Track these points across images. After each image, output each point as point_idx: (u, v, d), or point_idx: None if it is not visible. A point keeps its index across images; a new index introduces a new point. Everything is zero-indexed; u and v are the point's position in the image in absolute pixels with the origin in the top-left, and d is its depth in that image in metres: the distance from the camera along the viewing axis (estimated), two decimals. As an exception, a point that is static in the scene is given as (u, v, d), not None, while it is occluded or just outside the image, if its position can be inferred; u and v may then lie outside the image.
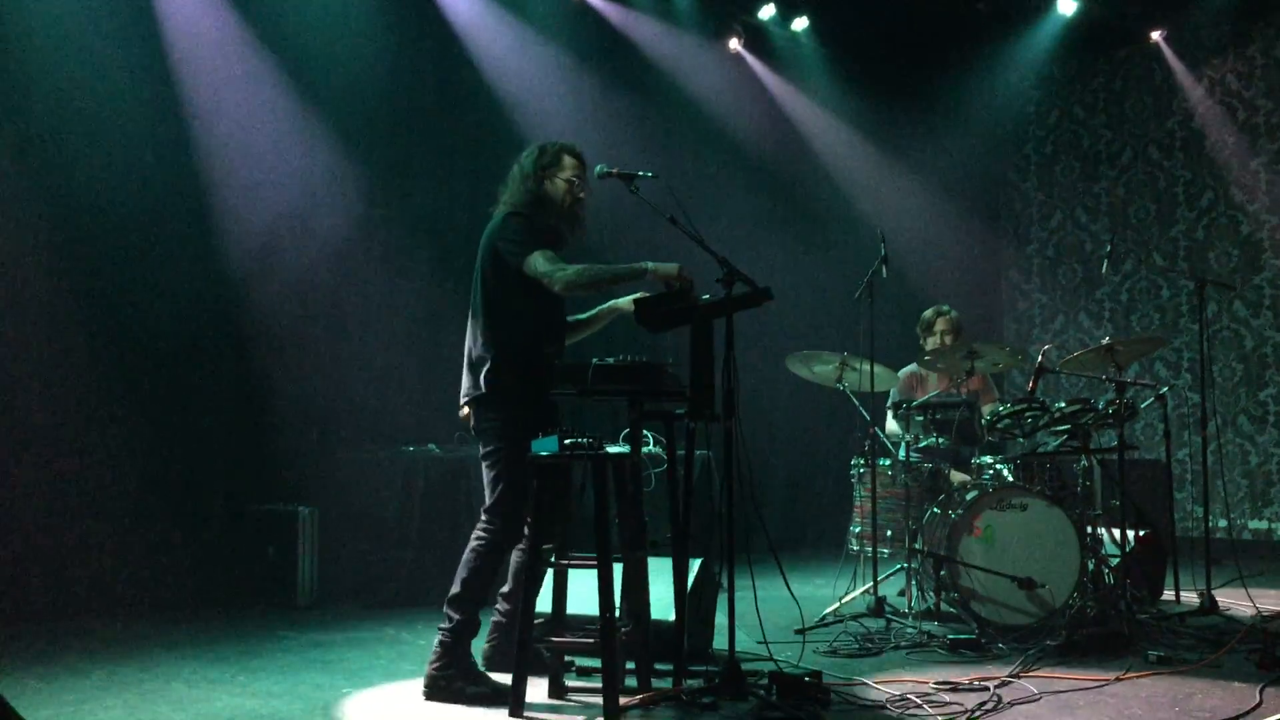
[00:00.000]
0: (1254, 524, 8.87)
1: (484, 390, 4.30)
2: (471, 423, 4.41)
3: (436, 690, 4.16)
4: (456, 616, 4.21)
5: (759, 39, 9.44)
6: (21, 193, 5.81)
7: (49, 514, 5.82)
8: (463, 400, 4.43)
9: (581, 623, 4.37)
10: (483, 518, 4.32)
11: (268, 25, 6.70)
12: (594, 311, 4.67)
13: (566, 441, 3.92)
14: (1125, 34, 9.58)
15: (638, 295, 4.43)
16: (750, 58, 9.43)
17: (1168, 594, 6.22)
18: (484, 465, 4.35)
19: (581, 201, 4.52)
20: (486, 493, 4.34)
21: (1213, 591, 5.95)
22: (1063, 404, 5.76)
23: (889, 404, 6.67)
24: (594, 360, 4.01)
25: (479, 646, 4.41)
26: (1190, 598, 6.09)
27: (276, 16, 6.75)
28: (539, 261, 4.23)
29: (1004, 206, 10.55)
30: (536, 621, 4.11)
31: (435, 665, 4.19)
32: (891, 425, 6.55)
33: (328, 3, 7.01)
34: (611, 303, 4.61)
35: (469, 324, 4.45)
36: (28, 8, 5.84)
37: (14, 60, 5.82)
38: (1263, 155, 9.00)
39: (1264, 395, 8.93)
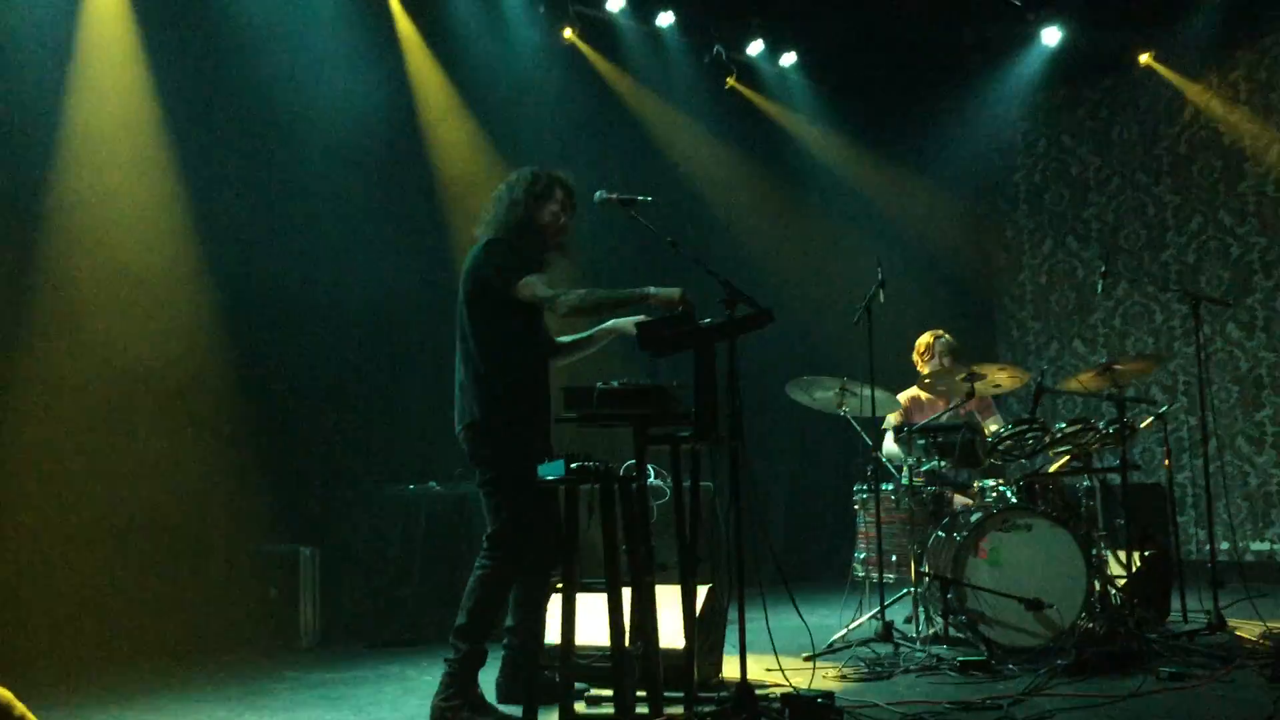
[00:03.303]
0: (1256, 545, 8.84)
1: (477, 416, 4.25)
2: (466, 451, 4.35)
3: (444, 723, 4.11)
4: (463, 647, 4.17)
5: (749, 74, 9.55)
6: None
7: (50, 557, 5.78)
8: (457, 429, 4.36)
9: (591, 652, 4.32)
10: (485, 546, 4.27)
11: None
12: (592, 332, 4.62)
13: (573, 465, 3.87)
14: (1109, 63, 9.68)
15: (639, 318, 4.41)
16: (745, 90, 9.57)
17: (1174, 613, 6.20)
18: (483, 493, 4.30)
19: (565, 233, 4.49)
20: (488, 520, 4.29)
21: (1220, 610, 5.94)
22: (1063, 425, 5.78)
23: (885, 427, 6.65)
24: (598, 384, 3.96)
25: (490, 678, 4.36)
26: (1197, 617, 6.07)
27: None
28: (537, 286, 4.21)
29: (994, 235, 10.59)
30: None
31: (442, 698, 4.15)
32: (889, 448, 6.53)
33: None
34: (612, 323, 4.54)
35: (457, 353, 4.38)
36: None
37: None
38: (1250, 178, 9.08)
39: (1260, 416, 8.93)
